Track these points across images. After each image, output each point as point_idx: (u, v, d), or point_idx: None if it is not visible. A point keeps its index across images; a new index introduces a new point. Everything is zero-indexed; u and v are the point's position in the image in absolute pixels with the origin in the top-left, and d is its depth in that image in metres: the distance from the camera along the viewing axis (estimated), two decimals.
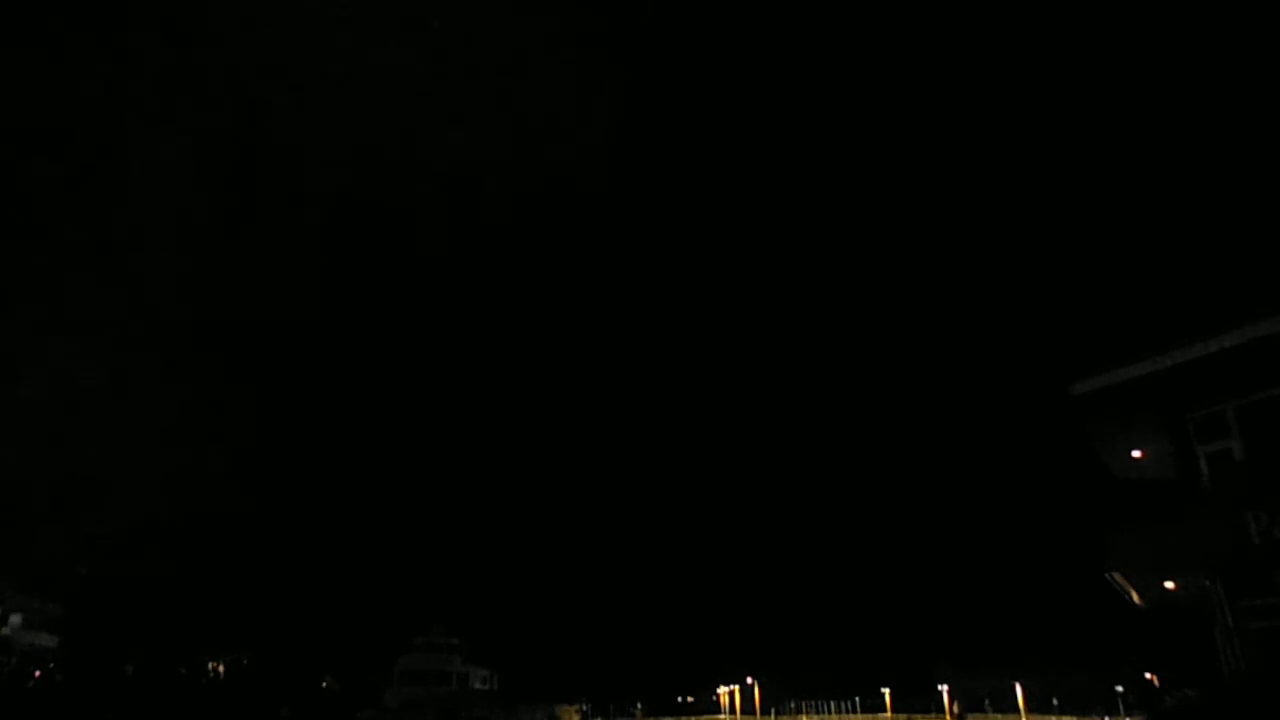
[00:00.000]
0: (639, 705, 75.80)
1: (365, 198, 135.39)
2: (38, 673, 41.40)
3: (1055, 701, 65.26)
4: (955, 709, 63.32)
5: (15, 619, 46.98)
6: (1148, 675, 50.27)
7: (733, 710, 73.54)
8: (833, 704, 73.51)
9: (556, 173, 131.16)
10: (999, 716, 63.25)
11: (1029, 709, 61.21)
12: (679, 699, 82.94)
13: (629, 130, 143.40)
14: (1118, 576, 15.54)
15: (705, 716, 74.68)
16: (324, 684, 60.67)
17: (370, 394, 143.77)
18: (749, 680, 74.51)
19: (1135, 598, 17.03)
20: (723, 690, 76.35)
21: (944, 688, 65.92)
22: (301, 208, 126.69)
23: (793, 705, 75.27)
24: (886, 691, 72.27)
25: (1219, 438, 14.79)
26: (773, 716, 71.32)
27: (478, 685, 47.68)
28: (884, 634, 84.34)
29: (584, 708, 61.91)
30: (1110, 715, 55.81)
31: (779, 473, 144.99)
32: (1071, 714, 60.19)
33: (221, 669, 56.31)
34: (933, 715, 65.85)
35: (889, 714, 70.25)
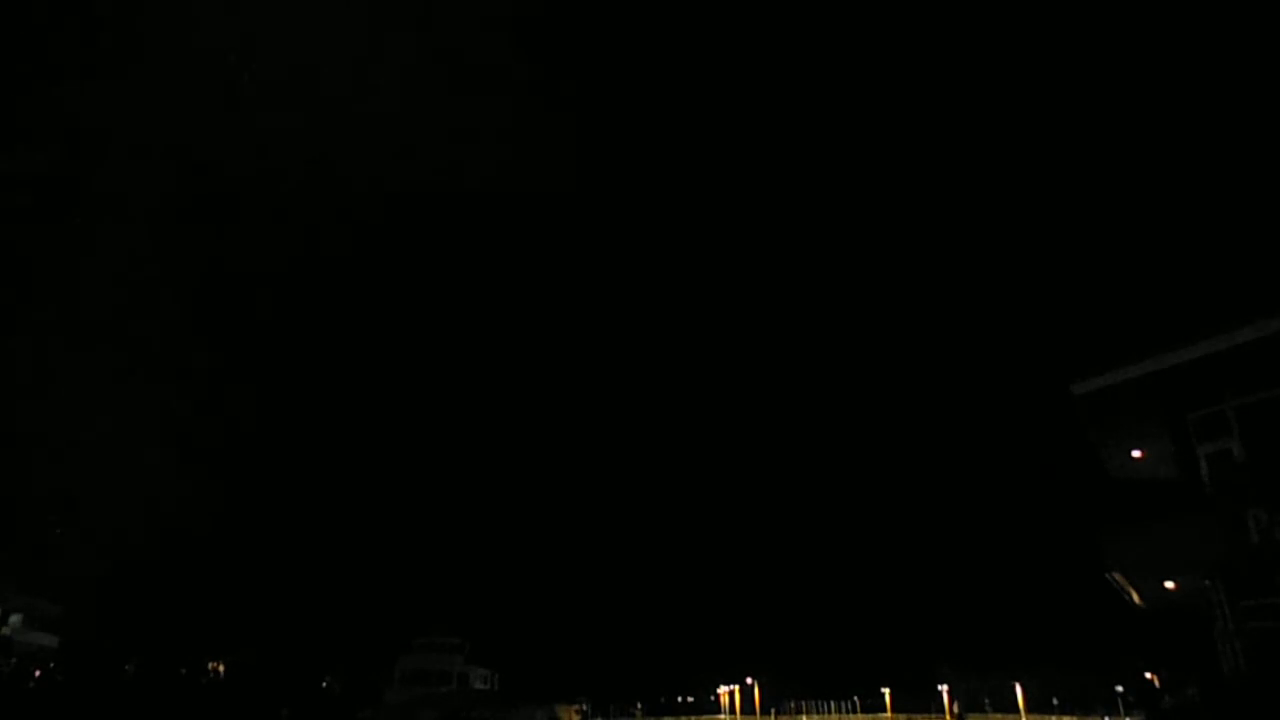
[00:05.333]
0: (639, 705, 75.77)
1: (356, 200, 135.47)
2: (38, 673, 41.38)
3: (1055, 701, 65.24)
4: (955, 709, 63.31)
5: (15, 619, 46.95)
6: (1148, 675, 50.24)
7: (733, 710, 73.49)
8: (833, 704, 73.50)
9: (544, 173, 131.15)
10: (999, 716, 63.25)
11: (1029, 709, 61.21)
12: (679, 699, 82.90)
13: (637, 127, 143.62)
14: (1118, 577, 15.55)
15: (705, 716, 74.65)
16: (324, 684, 60.67)
17: (369, 394, 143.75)
18: (749, 680, 74.49)
19: (1135, 598, 17.03)
20: (723, 690, 76.28)
21: (944, 688, 65.93)
22: (289, 211, 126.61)
23: (793, 705, 75.24)
24: (886, 691, 72.25)
25: (1219, 438, 14.79)
26: (773, 716, 71.28)
27: (478, 685, 47.66)
28: (884, 634, 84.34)
29: (584, 708, 61.90)
30: (1110, 715, 55.79)
31: (778, 473, 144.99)
32: (1071, 714, 60.18)
33: (221, 669, 56.31)
34: (933, 715, 65.84)
35: (889, 714, 70.24)
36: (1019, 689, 62.11)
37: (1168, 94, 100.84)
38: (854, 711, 73.57)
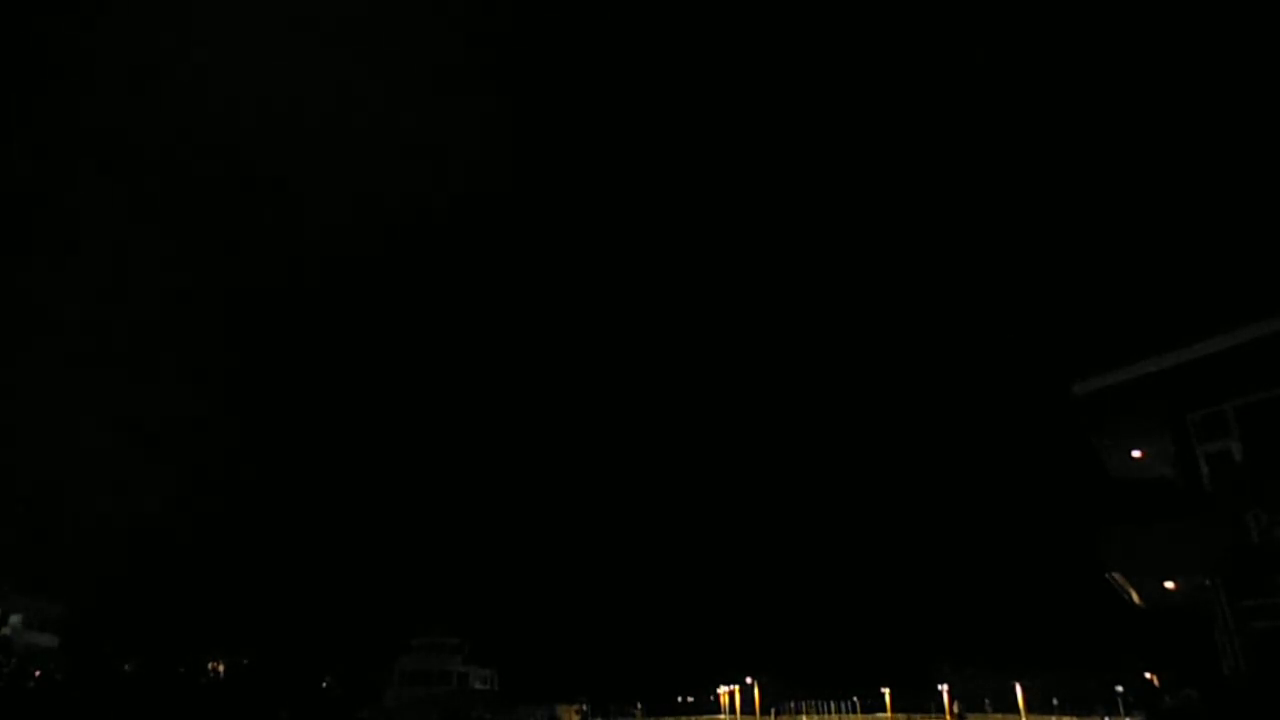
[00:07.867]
0: (639, 705, 75.67)
1: (357, 206, 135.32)
2: (38, 673, 41.29)
3: (1055, 701, 65.21)
4: (955, 709, 63.30)
5: (15, 619, 46.94)
6: (1148, 675, 50.22)
7: (733, 710, 73.41)
8: (833, 704, 73.42)
9: (543, 175, 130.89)
10: (999, 716, 63.20)
11: (1029, 709, 61.16)
12: (679, 699, 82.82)
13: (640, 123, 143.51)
14: (1117, 577, 15.52)
15: (705, 716, 74.55)
16: (324, 684, 60.55)
17: (370, 395, 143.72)
18: (749, 680, 74.40)
19: (1135, 598, 16.99)
20: (723, 690, 76.21)
21: (944, 688, 65.89)
22: (288, 215, 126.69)
23: (793, 705, 75.16)
24: (886, 691, 72.20)
25: (1219, 438, 14.77)
26: (773, 716, 71.21)
27: (478, 685, 47.66)
28: (884, 634, 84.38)
29: (584, 708, 61.84)
30: (1110, 715, 55.77)
31: (779, 473, 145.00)
32: (1071, 714, 60.14)
33: (221, 669, 56.16)
34: (933, 715, 65.80)
35: (889, 714, 70.18)
36: (1019, 689, 62.05)
37: (1168, 94, 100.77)
38: (854, 711, 73.50)
